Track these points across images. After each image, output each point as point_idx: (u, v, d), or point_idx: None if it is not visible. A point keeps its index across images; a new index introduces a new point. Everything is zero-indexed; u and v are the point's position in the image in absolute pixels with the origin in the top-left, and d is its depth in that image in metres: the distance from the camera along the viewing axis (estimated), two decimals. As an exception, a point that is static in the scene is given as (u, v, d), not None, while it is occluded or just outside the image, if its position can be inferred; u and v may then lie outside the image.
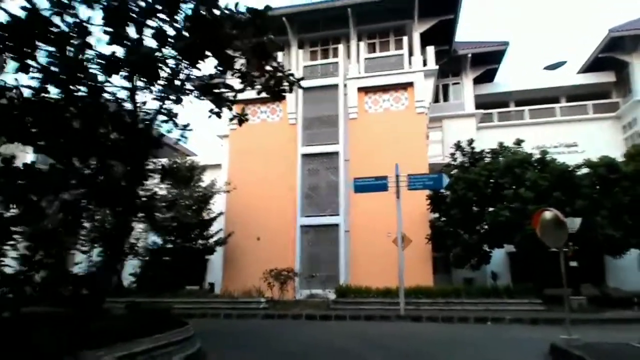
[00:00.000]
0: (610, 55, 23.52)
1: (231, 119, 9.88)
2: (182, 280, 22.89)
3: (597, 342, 7.00)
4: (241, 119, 9.96)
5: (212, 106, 9.24)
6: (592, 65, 25.05)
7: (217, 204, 21.32)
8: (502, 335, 9.91)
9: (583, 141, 22.73)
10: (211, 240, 20.09)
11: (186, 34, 7.64)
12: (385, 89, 20.38)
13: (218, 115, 9.70)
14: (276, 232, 19.74)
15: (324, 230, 19.53)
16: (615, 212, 15.03)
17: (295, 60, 21.48)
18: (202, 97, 9.52)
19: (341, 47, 21.24)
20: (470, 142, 18.43)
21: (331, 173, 20.03)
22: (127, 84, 7.62)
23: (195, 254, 19.44)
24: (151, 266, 19.94)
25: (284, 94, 10.22)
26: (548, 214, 7.94)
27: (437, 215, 18.13)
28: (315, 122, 20.63)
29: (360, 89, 20.40)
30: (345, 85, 20.59)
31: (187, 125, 9.62)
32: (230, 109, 10.14)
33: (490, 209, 15.99)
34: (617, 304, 14.73)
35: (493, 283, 18.63)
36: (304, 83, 20.90)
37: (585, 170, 15.84)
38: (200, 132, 54.61)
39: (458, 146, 18.54)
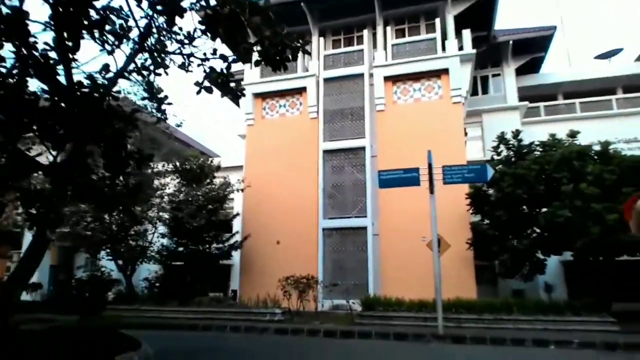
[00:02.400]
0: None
1: (223, 94, 7.98)
2: (206, 286, 21.56)
3: None
4: (237, 92, 8.10)
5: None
6: (655, 50, 22.08)
7: (237, 206, 19.72)
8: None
9: (645, 135, 19.86)
10: (227, 244, 18.41)
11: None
12: (415, 77, 18.25)
13: (208, 90, 7.80)
14: (297, 236, 17.86)
15: (350, 233, 17.50)
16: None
17: (316, 49, 19.69)
18: (188, 67, 7.78)
19: (366, 34, 19.29)
20: (517, 133, 16.01)
21: (357, 170, 18.01)
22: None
23: (208, 259, 17.74)
24: (167, 271, 18.48)
25: (287, 62, 8.26)
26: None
27: (479, 217, 15.77)
28: (338, 116, 18.70)
29: (387, 78, 18.35)
30: (371, 75, 18.60)
31: (165, 97, 7.89)
32: (224, 83, 8.25)
33: (544, 210, 13.58)
34: None
35: (547, 296, 16.05)
36: (325, 73, 19.38)
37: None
38: (226, 134, 53.71)
39: (502, 138, 16.15)
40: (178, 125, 17.88)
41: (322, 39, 19.76)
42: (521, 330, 11.20)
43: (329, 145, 18.34)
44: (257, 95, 20.22)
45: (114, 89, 6.83)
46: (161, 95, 8.33)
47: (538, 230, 14.16)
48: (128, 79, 6.93)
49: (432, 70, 17.88)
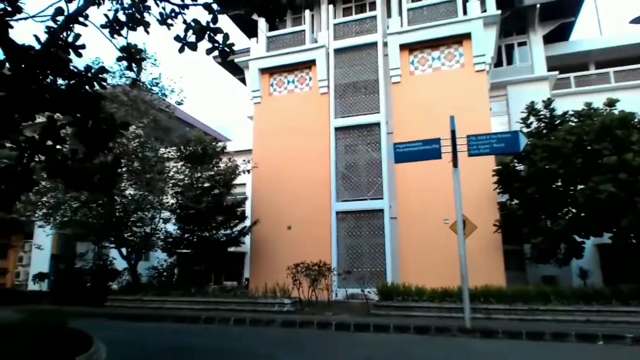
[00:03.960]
0: None
1: (209, 50, 6.66)
2: (220, 275, 20.75)
3: None
4: (224, 49, 6.78)
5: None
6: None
7: (248, 192, 18.64)
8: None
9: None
10: (235, 230, 17.38)
11: None
12: (434, 44, 16.67)
13: (192, 46, 6.46)
14: (309, 220, 16.71)
15: (365, 216, 16.25)
16: None
17: (325, 18, 18.23)
18: (167, 21, 6.51)
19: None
20: (549, 102, 14.38)
21: (371, 148, 16.66)
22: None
23: (216, 246, 16.75)
24: (178, 260, 17.64)
25: (283, 10, 6.89)
26: None
27: (507, 197, 14.31)
28: (350, 90, 17.30)
29: (403, 47, 16.81)
30: (385, 44, 17.08)
31: (143, 59, 6.64)
32: (211, 38, 6.89)
33: (582, 186, 12.09)
34: None
35: (582, 283, 14.61)
36: (335, 44, 17.92)
37: None
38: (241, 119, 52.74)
39: (532, 109, 14.53)
40: (179, 104, 16.90)
41: (331, 6, 18.26)
42: (560, 322, 9.86)
43: (341, 122, 17.00)
44: (263, 71, 18.93)
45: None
46: (139, 56, 7.08)
47: (574, 210, 12.69)
48: (84, 24, 5.71)
49: (453, 36, 16.27)
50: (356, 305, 13.02)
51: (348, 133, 16.99)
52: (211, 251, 16.78)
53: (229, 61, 21.44)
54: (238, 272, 21.08)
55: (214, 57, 23.05)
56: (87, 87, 6.09)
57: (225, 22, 21.55)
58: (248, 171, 17.34)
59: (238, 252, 18.99)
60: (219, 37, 6.59)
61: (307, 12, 18.62)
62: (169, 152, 17.59)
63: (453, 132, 9.95)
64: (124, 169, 16.19)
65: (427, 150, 10.29)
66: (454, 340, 8.92)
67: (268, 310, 12.53)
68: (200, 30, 6.27)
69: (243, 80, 22.58)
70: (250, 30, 20.38)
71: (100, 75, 6.23)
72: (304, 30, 18.57)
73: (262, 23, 19.15)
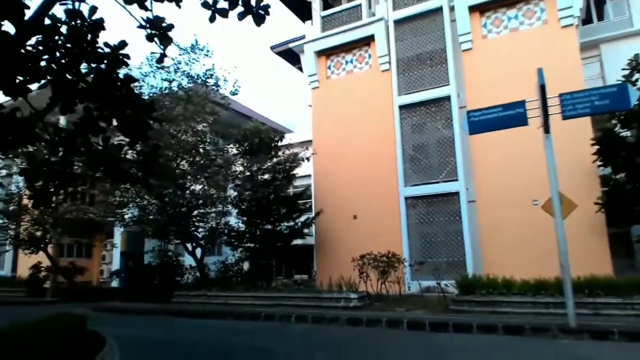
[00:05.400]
0: None
1: (241, 15, 5.66)
2: (291, 269, 20.26)
3: None
4: (259, 12, 5.70)
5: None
6: None
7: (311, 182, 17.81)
8: None
9: None
10: (299, 222, 16.60)
11: None
12: (510, 1, 14.58)
13: (223, 13, 5.49)
14: (376, 208, 15.50)
15: (438, 201, 14.67)
16: None
17: (382, -12, 16.76)
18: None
19: (443, -41, 15.87)
20: (660, 53, 11.85)
21: (442, 125, 14.99)
22: None
23: (279, 239, 16.09)
24: (247, 254, 17.28)
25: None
26: None
27: (610, 169, 12.05)
28: (414, 63, 15.69)
29: (473, 8, 14.87)
30: (452, 9, 15.24)
31: (170, 26, 5.84)
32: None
33: None
34: None
35: None
36: (394, 14, 16.36)
37: None
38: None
39: (637, 64, 12.06)
40: (233, 94, 16.39)
41: (389, -25, 16.75)
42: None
43: (406, 99, 15.48)
44: (319, 54, 17.88)
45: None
46: (164, 24, 6.26)
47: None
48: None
49: (532, -11, 14.11)
50: (432, 300, 11.58)
51: (414, 110, 15.44)
52: (275, 244, 16.17)
53: (287, 51, 20.70)
54: (308, 265, 20.39)
55: (272, 48, 22.47)
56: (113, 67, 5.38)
57: (278, 7, 20.85)
58: (307, 159, 16.43)
59: (307, 245, 18.24)
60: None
61: (359, -17, 17.27)
62: (229, 145, 17.22)
63: (542, 88, 8.08)
64: (185, 164, 16.06)
65: (510, 116, 8.54)
66: (556, 343, 7.25)
67: (333, 306, 11.50)
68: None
69: (302, 70, 21.76)
70: (304, 14, 19.41)
71: (122, 52, 5.45)
72: (359, 5, 17.23)
73: (315, 3, 18.11)
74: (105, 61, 5.27)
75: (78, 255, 24.70)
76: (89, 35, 5.06)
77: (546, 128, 8.13)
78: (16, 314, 7.93)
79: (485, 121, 8.85)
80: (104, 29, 5.50)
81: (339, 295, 11.91)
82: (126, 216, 16.52)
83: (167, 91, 15.44)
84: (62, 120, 15.24)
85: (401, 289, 13.13)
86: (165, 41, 6.40)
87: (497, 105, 8.75)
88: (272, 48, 22.12)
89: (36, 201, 5.84)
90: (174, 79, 15.37)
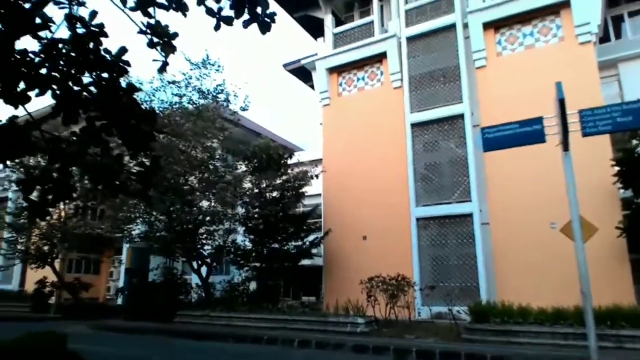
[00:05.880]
0: None
1: (246, 23, 5.46)
2: (298, 290, 19.74)
3: None
4: (265, 20, 5.49)
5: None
6: None
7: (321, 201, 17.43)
8: None
9: None
10: (307, 241, 16.17)
11: None
12: (524, 18, 14.24)
13: (227, 20, 5.29)
14: (386, 229, 15.02)
15: (451, 223, 14.14)
16: None
17: (395, 5, 16.59)
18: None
19: (457, -24, 15.70)
20: (684, 71, 11.35)
21: (455, 144, 14.56)
22: None
23: (284, 258, 15.66)
24: (253, 274, 16.87)
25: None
26: None
27: (631, 191, 11.44)
28: (426, 80, 15.39)
29: (487, 25, 14.58)
30: (465, 25, 14.98)
31: (175, 34, 5.63)
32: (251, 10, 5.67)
33: None
34: None
35: None
36: (407, 31, 16.14)
37: None
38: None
39: (661, 81, 11.60)
40: (243, 109, 16.25)
41: (402, -8, 16.62)
42: None
43: (418, 117, 15.13)
44: (331, 71, 17.73)
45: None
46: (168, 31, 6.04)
47: None
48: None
49: (548, 6, 13.76)
50: (443, 327, 10.98)
51: (426, 129, 15.06)
52: (282, 264, 15.74)
53: (299, 68, 20.64)
54: (316, 287, 19.86)
55: (285, 66, 22.49)
56: (115, 75, 5.16)
57: (290, 24, 20.81)
58: (317, 176, 16.09)
59: (316, 266, 17.77)
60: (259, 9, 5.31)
61: (375, 1, 17.14)
62: (238, 162, 17.00)
63: (562, 102, 7.65)
64: (194, 180, 15.85)
65: (526, 133, 8.11)
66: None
67: (339, 331, 10.98)
68: (239, 1, 5.05)
69: (314, 87, 21.66)
70: (316, 31, 19.40)
71: (123, 58, 5.23)
72: (372, 22, 17.10)
73: (328, 20, 18.06)
74: (108, 69, 5.05)
75: (86, 271, 24.56)
76: (92, 43, 4.85)
77: (565, 145, 7.68)
78: (7, 331, 7.66)
79: (500, 138, 8.44)
80: (106, 35, 5.28)
81: (345, 319, 11.40)
82: (134, 232, 16.30)
83: (177, 106, 15.38)
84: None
85: (411, 315, 12.53)
86: (168, 49, 6.13)
87: (514, 121, 8.34)
88: (285, 66, 22.18)
89: (32, 212, 5.60)
90: (184, 94, 15.33)
